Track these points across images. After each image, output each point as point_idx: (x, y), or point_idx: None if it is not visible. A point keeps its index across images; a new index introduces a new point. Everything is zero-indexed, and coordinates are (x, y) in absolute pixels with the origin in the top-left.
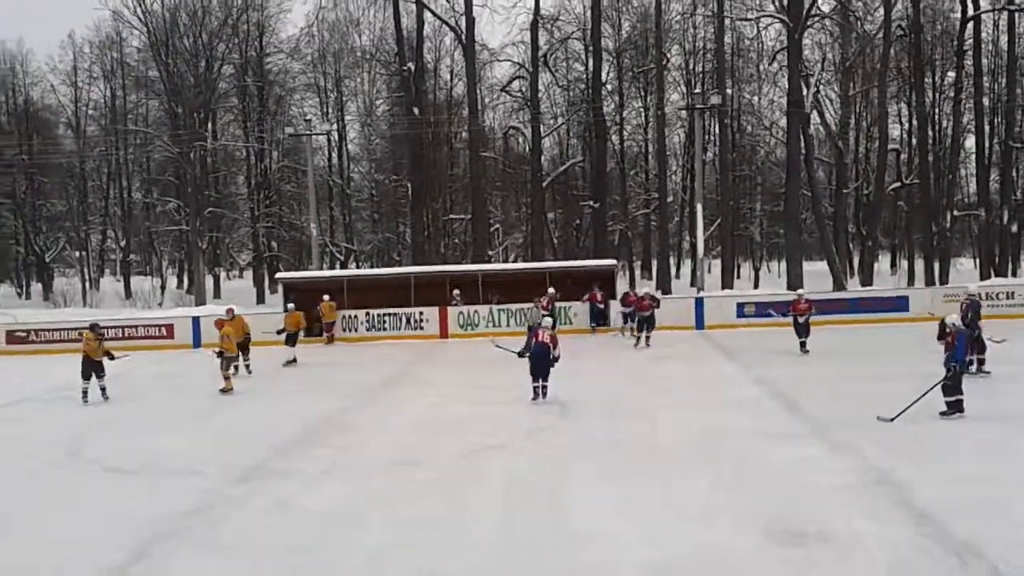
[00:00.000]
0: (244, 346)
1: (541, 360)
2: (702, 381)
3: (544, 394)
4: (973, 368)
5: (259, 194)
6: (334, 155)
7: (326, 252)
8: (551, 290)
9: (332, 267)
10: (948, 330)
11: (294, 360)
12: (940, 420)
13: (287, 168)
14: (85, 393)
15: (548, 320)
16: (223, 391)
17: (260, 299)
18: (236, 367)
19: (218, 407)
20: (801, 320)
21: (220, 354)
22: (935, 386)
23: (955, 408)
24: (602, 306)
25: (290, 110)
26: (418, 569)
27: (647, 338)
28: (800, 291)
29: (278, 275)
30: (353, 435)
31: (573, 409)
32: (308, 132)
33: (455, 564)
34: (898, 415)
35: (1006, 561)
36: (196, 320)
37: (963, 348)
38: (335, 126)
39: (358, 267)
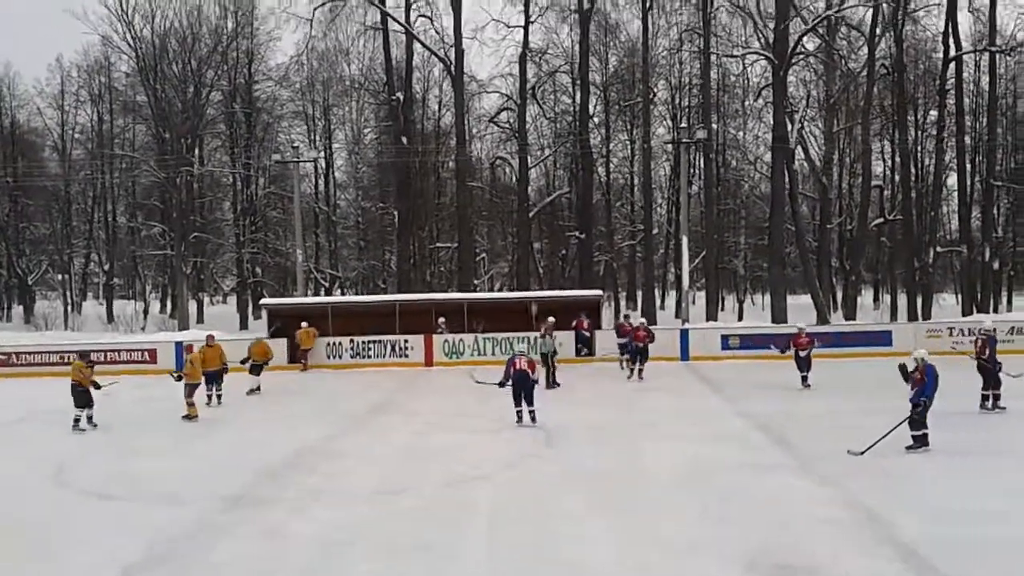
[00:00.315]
0: (219, 375)
1: (524, 386)
2: (688, 413)
3: (533, 418)
4: (989, 404)
5: (245, 220)
6: (321, 182)
7: (311, 279)
8: (551, 319)
9: (317, 293)
10: (917, 366)
11: (258, 389)
12: (923, 454)
13: (273, 194)
14: (78, 421)
15: (523, 347)
16: (186, 418)
17: (244, 325)
18: (210, 396)
19: (202, 433)
20: (803, 354)
21: (179, 378)
22: (903, 421)
23: (921, 442)
24: (588, 334)
25: (277, 137)
26: None
27: (640, 371)
28: (801, 325)
29: (262, 301)
30: (339, 463)
31: (558, 439)
32: (295, 159)
33: None
34: (868, 449)
35: None
36: (179, 345)
37: (932, 383)
38: (322, 154)
39: (343, 294)
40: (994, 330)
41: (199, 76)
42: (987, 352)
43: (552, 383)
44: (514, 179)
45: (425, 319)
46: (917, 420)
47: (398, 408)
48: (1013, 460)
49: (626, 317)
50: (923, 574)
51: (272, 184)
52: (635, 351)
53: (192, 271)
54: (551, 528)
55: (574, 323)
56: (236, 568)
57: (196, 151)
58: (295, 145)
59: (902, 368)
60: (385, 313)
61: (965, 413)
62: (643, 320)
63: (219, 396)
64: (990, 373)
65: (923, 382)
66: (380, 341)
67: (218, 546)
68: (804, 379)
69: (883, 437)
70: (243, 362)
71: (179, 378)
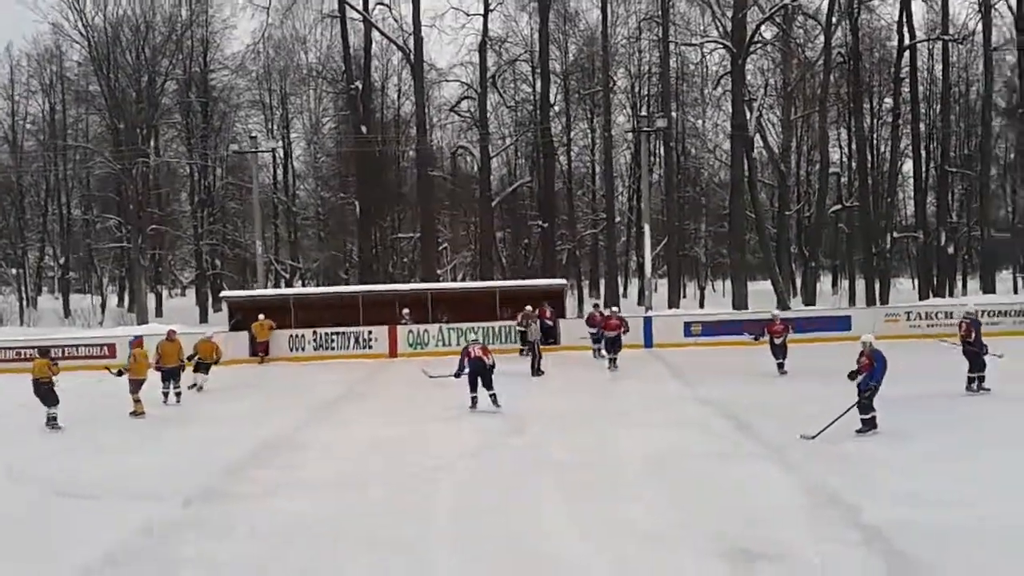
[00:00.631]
0: (177, 372)
1: (481, 374)
2: (654, 400)
3: (495, 402)
4: (974, 386)
5: (203, 211)
6: (279, 172)
7: (271, 270)
8: (528, 307)
9: (277, 285)
10: (863, 350)
11: (199, 387)
12: (885, 438)
13: (231, 185)
14: (53, 419)
15: (476, 335)
16: (133, 415)
17: (203, 318)
18: (166, 393)
19: (162, 428)
20: (777, 341)
21: (119, 373)
22: (852, 406)
23: (869, 425)
24: (551, 323)
25: (234, 127)
26: None
27: (613, 360)
28: (775, 312)
29: (222, 294)
30: (303, 455)
31: (522, 428)
32: (253, 149)
33: None
34: (819, 433)
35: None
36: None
37: (881, 368)
38: (280, 143)
39: (304, 285)
40: (976, 313)
41: (153, 65)
42: (972, 335)
43: (537, 371)
44: (476, 168)
45: (388, 310)
46: (866, 404)
47: (363, 399)
48: (982, 445)
49: (595, 307)
50: (887, 558)
51: (230, 175)
52: (608, 341)
53: (150, 264)
54: (516, 517)
55: (536, 312)
56: (203, 563)
57: (152, 142)
58: (253, 135)
59: (852, 376)
60: (348, 304)
61: (940, 397)
62: (615, 309)
63: (177, 394)
64: (976, 356)
65: (871, 367)
66: (343, 333)
67: (186, 542)
68: (780, 366)
69: (834, 421)
70: (189, 359)
71: (119, 373)
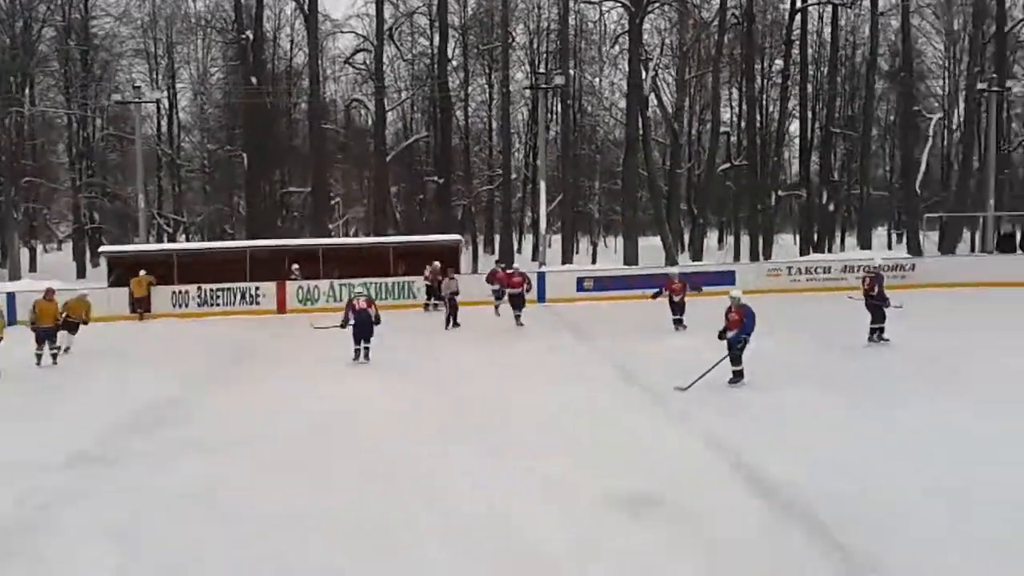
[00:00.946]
0: (53, 332)
1: (365, 326)
2: (546, 354)
3: (367, 355)
4: (875, 337)
5: (81, 163)
6: (164, 124)
7: (154, 224)
8: (436, 263)
9: (160, 240)
10: (731, 305)
11: (66, 349)
12: (769, 389)
13: (112, 136)
14: None
15: (361, 289)
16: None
17: (81, 273)
18: (39, 355)
19: (47, 391)
20: (676, 299)
21: None
22: (723, 359)
23: (739, 376)
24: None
25: (117, 76)
26: (274, 554)
27: (517, 317)
28: (672, 270)
29: (102, 248)
30: (194, 415)
31: (418, 383)
32: (136, 100)
33: (316, 543)
34: (691, 384)
35: (841, 524)
36: (11, 296)
37: (751, 322)
38: (165, 94)
39: (188, 240)
40: (880, 267)
41: (29, 10)
42: (876, 289)
43: (454, 323)
44: (370, 122)
45: (277, 265)
46: (737, 356)
47: (252, 357)
48: (876, 402)
49: (497, 262)
50: (777, 505)
51: (111, 125)
52: (512, 297)
53: (23, 217)
54: (411, 472)
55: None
56: (97, 528)
57: (27, 90)
58: (136, 85)
59: (722, 335)
60: (234, 260)
61: (835, 348)
62: (517, 266)
63: (53, 355)
64: (878, 309)
65: (741, 322)
66: (229, 289)
67: (77, 506)
68: (679, 322)
69: (705, 373)
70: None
71: None
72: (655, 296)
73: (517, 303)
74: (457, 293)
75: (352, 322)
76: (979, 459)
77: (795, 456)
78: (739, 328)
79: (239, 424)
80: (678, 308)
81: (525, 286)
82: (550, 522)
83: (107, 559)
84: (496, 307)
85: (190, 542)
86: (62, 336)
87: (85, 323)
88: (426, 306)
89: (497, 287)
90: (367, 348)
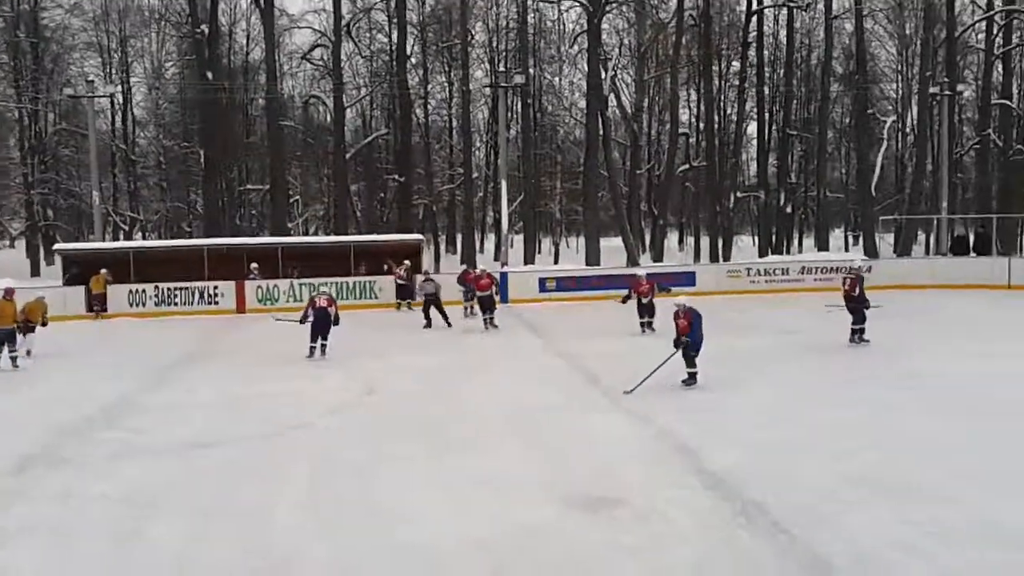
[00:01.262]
0: (12, 334)
1: (323, 323)
2: (508, 355)
3: (323, 352)
4: (856, 338)
5: (33, 159)
6: (118, 119)
7: (109, 222)
8: (407, 262)
9: (116, 238)
10: (677, 310)
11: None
12: (733, 390)
13: (65, 132)
14: None
15: (327, 288)
16: None
17: (35, 271)
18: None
19: None
20: (644, 301)
21: None
22: (668, 359)
23: (694, 378)
24: (404, 282)
25: (69, 69)
26: (222, 558)
27: (490, 319)
28: (639, 271)
29: (56, 246)
30: (146, 417)
31: (381, 386)
32: (89, 94)
33: (261, 551)
34: (636, 387)
35: (785, 517)
36: None
37: (699, 325)
38: (119, 88)
39: (145, 238)
40: (861, 268)
41: None
42: (857, 290)
43: (446, 323)
44: (329, 119)
45: (236, 264)
46: (692, 357)
47: (209, 358)
48: (828, 400)
49: (468, 263)
50: (727, 500)
51: (64, 120)
52: (481, 300)
53: None
54: (375, 477)
55: (386, 268)
56: (33, 532)
57: None
58: (89, 79)
59: (677, 344)
60: (192, 258)
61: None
62: (484, 268)
63: (12, 358)
64: (859, 310)
65: (690, 327)
66: (187, 288)
67: (11, 511)
68: (647, 324)
69: (649, 376)
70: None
71: None
72: (625, 300)
73: (487, 306)
74: (433, 294)
75: (311, 319)
76: (920, 454)
77: (744, 451)
78: (688, 332)
79: (193, 428)
80: (646, 310)
81: (493, 288)
82: (500, 520)
83: (44, 562)
84: (465, 308)
85: (118, 554)
86: (24, 338)
87: (44, 325)
88: (398, 305)
89: (466, 288)
90: (324, 345)
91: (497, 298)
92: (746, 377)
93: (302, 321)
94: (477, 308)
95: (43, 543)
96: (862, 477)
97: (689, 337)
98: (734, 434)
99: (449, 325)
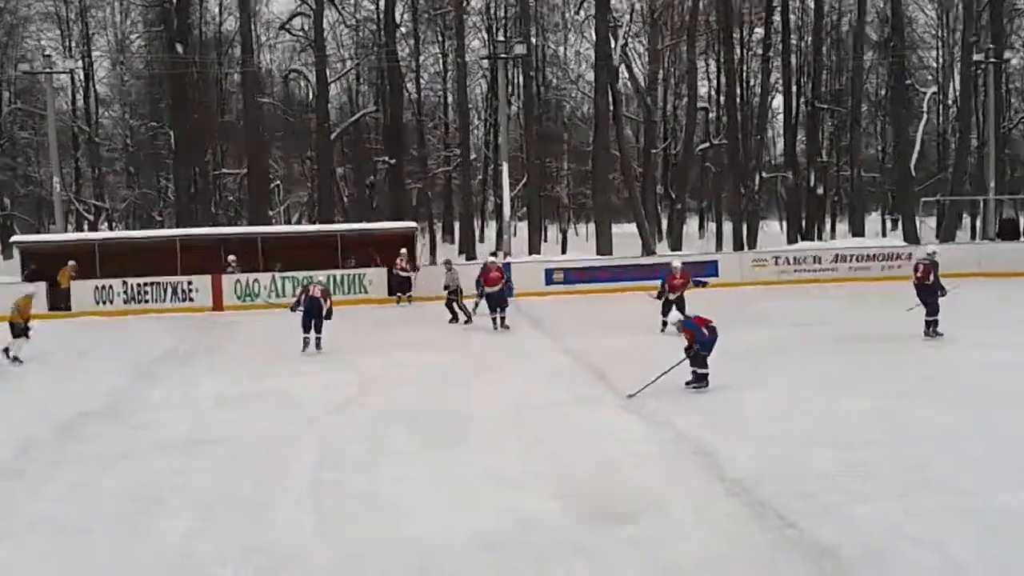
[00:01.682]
0: None
1: (314, 314)
2: (513, 351)
3: (318, 345)
4: (931, 331)
5: None
6: (79, 97)
7: (72, 211)
8: (404, 251)
9: (80, 228)
10: (678, 330)
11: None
12: (743, 389)
13: (21, 112)
14: None
15: (322, 278)
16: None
17: None
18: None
19: None
20: (673, 297)
21: None
22: (678, 363)
23: (703, 380)
24: (406, 274)
25: (24, 43)
26: (225, 552)
27: (501, 319)
28: (675, 263)
29: (14, 238)
30: (147, 414)
31: (381, 382)
32: (47, 70)
33: (267, 545)
34: (640, 390)
35: (800, 516)
36: None
37: (698, 331)
38: (80, 63)
39: (111, 228)
40: (933, 254)
41: None
42: (931, 278)
43: (467, 319)
44: (311, 95)
45: (212, 257)
46: (703, 359)
47: (191, 357)
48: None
49: (493, 254)
50: (744, 502)
51: (19, 99)
52: (489, 297)
53: None
54: (380, 472)
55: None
56: (38, 527)
57: None
58: (47, 53)
59: (688, 352)
60: (163, 250)
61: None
62: (494, 259)
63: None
64: (933, 301)
65: (693, 338)
66: (159, 283)
67: (17, 505)
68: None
69: (654, 380)
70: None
71: None
72: (660, 295)
73: (496, 303)
74: (448, 287)
75: (302, 308)
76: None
77: (751, 444)
78: (693, 342)
79: (192, 424)
80: (675, 305)
81: (503, 282)
82: (504, 515)
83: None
84: (475, 304)
85: (128, 547)
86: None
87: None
88: (398, 300)
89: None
90: (319, 338)
91: (512, 287)
92: (759, 371)
93: (293, 309)
94: (485, 306)
95: (49, 538)
96: (869, 467)
97: (698, 340)
98: (741, 427)
99: (469, 320)
